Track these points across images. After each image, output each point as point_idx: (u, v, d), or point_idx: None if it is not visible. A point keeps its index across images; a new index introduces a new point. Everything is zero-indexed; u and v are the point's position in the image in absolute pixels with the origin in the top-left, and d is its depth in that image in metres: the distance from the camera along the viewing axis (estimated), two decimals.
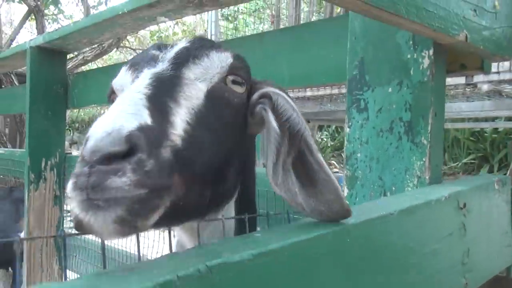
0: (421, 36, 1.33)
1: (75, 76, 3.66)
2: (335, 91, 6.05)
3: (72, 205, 0.90)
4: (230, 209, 1.37)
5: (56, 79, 3.56)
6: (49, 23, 14.62)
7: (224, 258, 0.64)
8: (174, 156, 0.98)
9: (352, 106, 1.28)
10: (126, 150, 0.88)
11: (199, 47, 1.28)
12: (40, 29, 10.20)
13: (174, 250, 1.77)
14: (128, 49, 15.30)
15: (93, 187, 0.85)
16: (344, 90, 5.96)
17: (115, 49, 11.84)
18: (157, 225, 1.01)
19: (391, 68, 1.37)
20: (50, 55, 3.48)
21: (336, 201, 1.05)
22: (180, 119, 1.05)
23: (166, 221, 1.08)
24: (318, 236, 0.84)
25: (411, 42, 1.35)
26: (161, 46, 1.31)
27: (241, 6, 14.18)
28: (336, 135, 15.05)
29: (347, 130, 1.29)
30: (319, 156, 1.11)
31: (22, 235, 3.89)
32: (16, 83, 9.06)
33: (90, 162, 0.88)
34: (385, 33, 1.38)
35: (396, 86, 1.35)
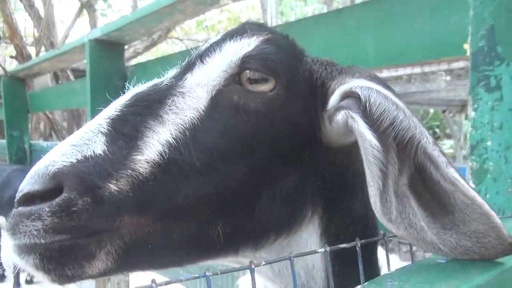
0: None
1: (134, 67, 3.61)
2: (401, 71, 5.66)
3: None
4: (308, 243, 1.00)
5: (115, 72, 3.52)
6: (97, 18, 14.97)
7: None
8: (133, 189, 0.79)
9: (478, 85, 1.06)
10: (52, 189, 0.76)
11: (223, 39, 0.99)
12: (93, 24, 10.42)
13: None
14: (176, 39, 15.40)
15: (9, 230, 0.76)
16: (417, 70, 5.62)
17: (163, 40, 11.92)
18: (121, 269, 0.83)
19: None
20: (108, 47, 3.43)
21: (489, 231, 0.74)
22: (157, 141, 0.83)
23: (143, 264, 0.88)
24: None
25: None
26: (201, 45, 1.06)
27: None
28: None
29: (471, 113, 1.08)
30: (451, 171, 0.76)
31: None
32: (72, 78, 9.32)
33: (16, 203, 0.79)
34: None
35: None
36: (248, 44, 0.94)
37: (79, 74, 9.56)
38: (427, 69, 5.48)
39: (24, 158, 5.93)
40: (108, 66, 3.48)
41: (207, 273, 0.59)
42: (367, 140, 0.80)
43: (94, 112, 3.55)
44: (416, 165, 0.82)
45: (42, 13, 9.62)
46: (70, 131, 11.57)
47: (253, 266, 0.64)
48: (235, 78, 0.93)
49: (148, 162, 0.81)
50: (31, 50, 9.91)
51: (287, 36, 1.03)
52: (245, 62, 0.93)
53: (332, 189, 0.99)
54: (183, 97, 0.91)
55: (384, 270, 1.01)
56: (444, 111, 9.38)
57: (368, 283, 0.61)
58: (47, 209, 0.74)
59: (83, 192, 0.76)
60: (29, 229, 0.74)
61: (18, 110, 5.80)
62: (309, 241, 1.00)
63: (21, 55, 8.69)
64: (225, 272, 0.63)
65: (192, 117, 0.88)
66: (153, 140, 0.84)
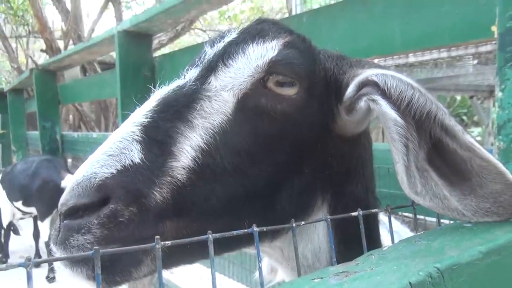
0: None
1: (162, 58, 3.69)
2: (427, 56, 5.59)
3: None
4: (317, 228, 1.05)
5: (143, 62, 3.60)
6: (123, 11, 15.17)
7: None
8: (173, 195, 0.82)
9: (505, 66, 1.08)
10: (98, 201, 0.78)
11: (242, 40, 1.01)
12: (118, 16, 10.59)
13: (265, 270, 1.55)
14: (199, 31, 15.49)
15: (59, 245, 0.78)
16: (444, 55, 5.54)
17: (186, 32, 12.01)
18: (172, 265, 0.89)
19: None
20: (136, 38, 3.51)
21: (504, 190, 0.80)
22: (190, 146, 0.86)
23: (179, 262, 0.93)
24: None
25: None
26: (216, 40, 1.06)
27: None
28: None
29: (498, 94, 1.10)
30: (467, 137, 0.82)
31: (63, 181, 5.84)
32: (99, 70, 9.54)
33: (61, 215, 0.80)
34: None
35: None
36: (272, 48, 0.97)
37: (105, 66, 9.78)
38: (454, 53, 5.39)
39: (56, 148, 6.14)
40: (136, 57, 3.56)
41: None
42: (391, 119, 0.84)
43: (124, 103, 3.62)
44: (432, 140, 0.88)
45: (69, 7, 9.84)
46: (97, 123, 11.84)
47: (256, 229, 0.71)
48: (260, 82, 0.96)
49: (184, 168, 0.84)
50: (59, 44, 10.17)
51: (304, 37, 1.07)
52: (271, 67, 0.96)
53: (339, 176, 1.05)
54: (209, 101, 0.93)
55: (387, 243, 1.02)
56: (471, 97, 9.18)
57: (399, 241, 0.66)
58: (96, 222, 0.77)
59: (129, 202, 0.78)
60: (81, 243, 0.76)
61: (49, 102, 5.98)
62: (318, 226, 1.05)
63: (51, 49, 8.94)
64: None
65: (220, 121, 0.91)
66: (185, 145, 0.86)
